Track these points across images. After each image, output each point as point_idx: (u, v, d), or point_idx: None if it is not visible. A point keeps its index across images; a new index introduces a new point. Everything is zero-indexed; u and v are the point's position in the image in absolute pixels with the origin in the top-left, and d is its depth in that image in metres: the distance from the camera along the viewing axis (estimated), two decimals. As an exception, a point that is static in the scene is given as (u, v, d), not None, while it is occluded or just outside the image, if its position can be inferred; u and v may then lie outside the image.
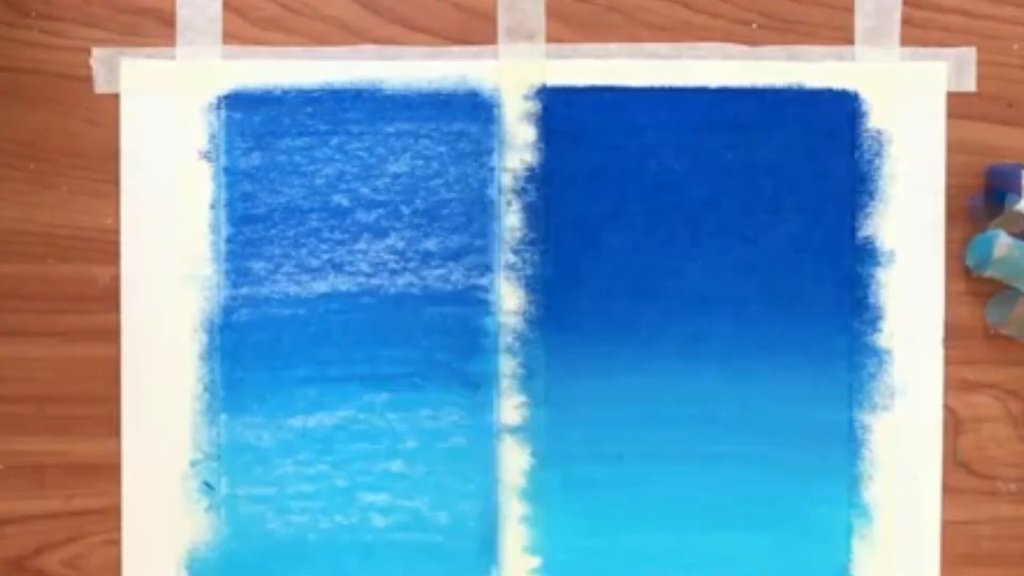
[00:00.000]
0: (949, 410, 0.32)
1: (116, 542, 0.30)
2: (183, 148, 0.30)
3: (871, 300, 0.31)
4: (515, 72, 0.31)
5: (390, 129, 0.31)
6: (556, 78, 0.31)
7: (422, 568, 0.31)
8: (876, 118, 0.31)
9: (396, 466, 0.31)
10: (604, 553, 0.31)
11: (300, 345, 0.30)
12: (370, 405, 0.31)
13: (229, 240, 0.30)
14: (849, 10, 0.32)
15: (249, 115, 0.30)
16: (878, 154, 0.31)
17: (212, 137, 0.30)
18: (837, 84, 0.31)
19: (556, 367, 0.31)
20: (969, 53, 0.32)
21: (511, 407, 0.31)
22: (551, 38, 0.31)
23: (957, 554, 0.32)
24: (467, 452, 0.31)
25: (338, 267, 0.31)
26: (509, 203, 0.31)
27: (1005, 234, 0.31)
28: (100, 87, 0.30)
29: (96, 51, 0.30)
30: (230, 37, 0.30)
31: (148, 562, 0.30)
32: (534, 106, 0.31)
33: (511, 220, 0.31)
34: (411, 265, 0.31)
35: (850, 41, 0.32)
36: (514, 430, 0.31)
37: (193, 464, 0.30)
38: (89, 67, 0.30)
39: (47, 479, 0.30)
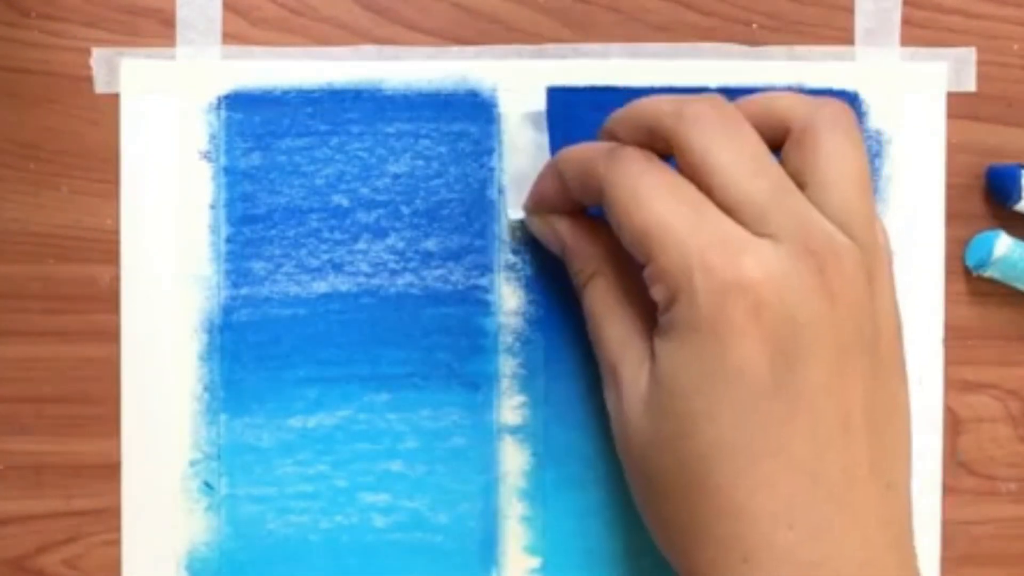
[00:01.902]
0: (949, 410, 0.32)
1: (116, 542, 0.30)
2: (183, 148, 0.30)
3: (871, 300, 0.31)
4: (515, 72, 0.31)
5: (390, 129, 0.31)
6: (556, 78, 0.31)
7: (422, 568, 0.31)
8: (876, 118, 0.31)
9: (396, 466, 0.31)
10: (604, 553, 0.31)
11: (300, 345, 0.30)
12: (370, 405, 0.31)
13: (229, 240, 0.30)
14: (849, 10, 0.32)
15: (249, 115, 0.30)
16: (878, 155, 0.31)
17: (212, 137, 0.30)
18: (837, 84, 0.31)
19: (556, 367, 0.31)
20: (969, 53, 0.32)
21: (511, 407, 0.31)
22: (551, 38, 0.31)
23: (957, 554, 0.32)
24: (467, 452, 0.31)
25: (338, 267, 0.31)
26: (509, 203, 0.31)
27: (1005, 234, 0.31)
28: (100, 87, 0.30)
29: (96, 51, 0.30)
30: (230, 37, 0.30)
31: (148, 562, 0.30)
32: (534, 106, 0.31)
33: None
34: (411, 265, 0.31)
35: (850, 41, 0.32)
36: (514, 430, 0.31)
37: (193, 464, 0.30)
38: (89, 67, 0.30)
39: (47, 479, 0.30)
